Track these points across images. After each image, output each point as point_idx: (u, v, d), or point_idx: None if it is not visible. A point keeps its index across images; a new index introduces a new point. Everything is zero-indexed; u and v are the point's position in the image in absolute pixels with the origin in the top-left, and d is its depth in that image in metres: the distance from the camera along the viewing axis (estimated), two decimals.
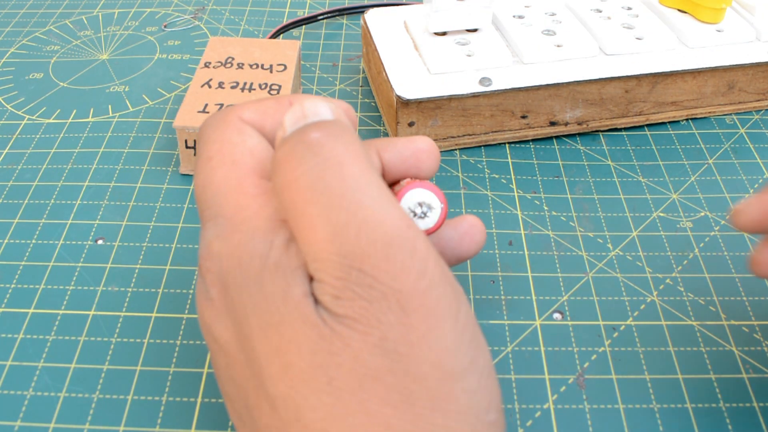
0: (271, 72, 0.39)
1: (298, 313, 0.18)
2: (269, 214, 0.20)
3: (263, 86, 0.38)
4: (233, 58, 0.40)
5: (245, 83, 0.38)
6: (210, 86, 0.38)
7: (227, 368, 0.20)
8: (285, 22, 0.49)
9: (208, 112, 0.36)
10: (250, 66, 0.39)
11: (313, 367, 0.17)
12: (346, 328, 0.17)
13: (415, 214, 0.23)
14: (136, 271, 0.32)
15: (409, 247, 0.18)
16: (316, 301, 0.18)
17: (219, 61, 0.40)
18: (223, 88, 0.38)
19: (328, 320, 0.18)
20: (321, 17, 0.50)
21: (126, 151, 0.39)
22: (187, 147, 0.36)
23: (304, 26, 0.50)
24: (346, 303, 0.17)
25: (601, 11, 0.42)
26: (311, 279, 0.19)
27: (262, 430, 0.19)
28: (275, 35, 0.46)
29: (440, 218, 0.24)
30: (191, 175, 0.37)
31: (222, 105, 0.36)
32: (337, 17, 0.51)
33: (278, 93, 0.37)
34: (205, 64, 0.39)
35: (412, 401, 0.17)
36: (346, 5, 0.51)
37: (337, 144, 0.18)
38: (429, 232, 0.24)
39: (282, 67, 0.39)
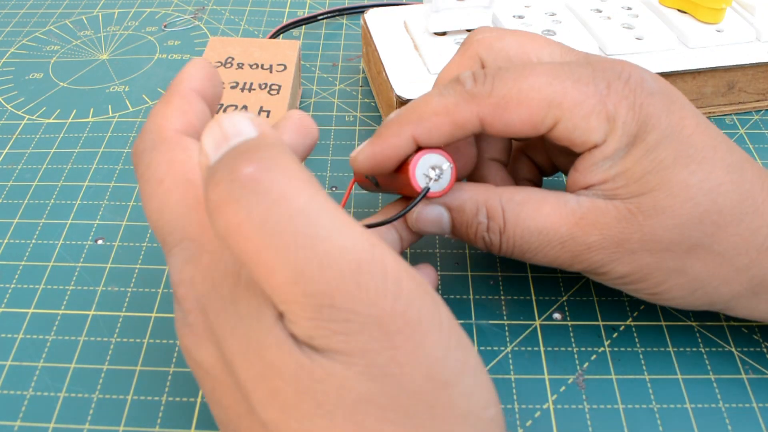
0: (270, 72, 0.39)
1: (274, 337, 0.17)
2: None
3: (263, 86, 0.38)
4: (233, 58, 0.40)
5: (245, 83, 0.38)
6: None
7: (213, 392, 0.19)
8: (285, 22, 0.49)
9: None
10: (250, 66, 0.39)
11: (300, 393, 0.17)
12: (326, 360, 0.17)
13: (430, 179, 0.24)
14: (136, 271, 0.32)
15: (379, 268, 0.17)
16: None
17: (219, 61, 0.40)
18: (223, 87, 0.37)
19: (306, 350, 0.17)
20: (321, 17, 0.50)
21: (126, 151, 0.39)
22: None
23: (304, 26, 0.50)
24: (322, 340, 0.17)
25: (601, 11, 0.42)
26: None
27: None
28: (275, 35, 0.46)
29: (452, 177, 0.25)
30: None
31: (222, 105, 0.36)
32: (337, 17, 0.51)
33: (278, 93, 0.37)
34: None
35: (411, 415, 0.17)
36: (346, 5, 0.51)
37: (275, 175, 0.16)
38: (444, 192, 0.25)
39: (282, 67, 0.39)
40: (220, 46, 0.41)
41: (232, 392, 0.18)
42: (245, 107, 0.36)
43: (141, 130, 0.22)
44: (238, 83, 0.38)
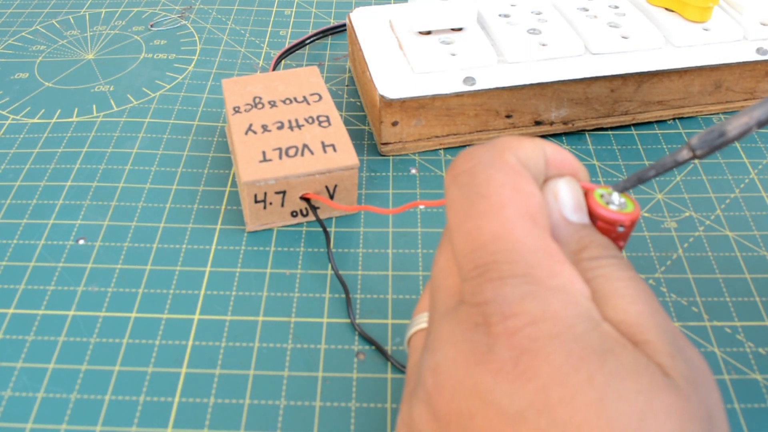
0: (308, 104, 0.37)
1: (660, 377, 0.17)
2: (582, 288, 0.18)
3: (310, 120, 0.36)
4: (261, 98, 0.37)
5: (289, 120, 0.36)
6: (254, 132, 0.35)
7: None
8: (281, 50, 0.48)
9: (270, 160, 0.33)
10: (283, 102, 0.37)
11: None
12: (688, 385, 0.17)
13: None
14: (117, 271, 0.32)
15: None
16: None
17: (248, 104, 0.37)
18: (270, 130, 0.35)
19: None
20: (308, 41, 0.48)
21: (109, 150, 0.39)
22: (256, 202, 0.33)
23: (291, 28, 0.49)
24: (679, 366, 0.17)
25: (587, 10, 0.41)
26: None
27: None
28: (277, 62, 0.45)
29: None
30: (173, 173, 0.37)
31: (280, 149, 0.34)
32: (327, 35, 0.51)
33: (330, 124, 0.35)
34: (234, 110, 0.36)
35: None
36: (331, 24, 0.51)
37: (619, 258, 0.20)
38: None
39: (317, 97, 0.37)
40: (237, 87, 0.38)
41: None
42: (306, 146, 0.34)
43: (473, 147, 0.20)
44: (282, 123, 0.36)
